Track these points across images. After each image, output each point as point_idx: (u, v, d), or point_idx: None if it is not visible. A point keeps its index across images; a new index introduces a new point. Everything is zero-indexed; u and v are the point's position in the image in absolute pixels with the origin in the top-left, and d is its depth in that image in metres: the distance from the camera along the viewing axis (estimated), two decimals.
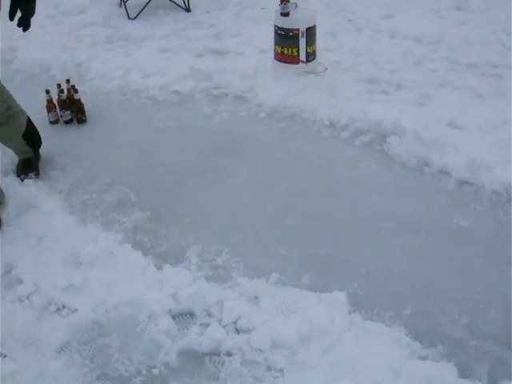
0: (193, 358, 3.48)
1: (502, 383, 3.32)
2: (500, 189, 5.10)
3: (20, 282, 4.01)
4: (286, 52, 7.07)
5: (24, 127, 5.09)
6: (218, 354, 3.48)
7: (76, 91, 6.23)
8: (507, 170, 5.24)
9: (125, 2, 9.48)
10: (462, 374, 3.35)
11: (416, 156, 5.47)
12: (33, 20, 3.98)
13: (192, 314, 3.75)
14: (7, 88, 4.88)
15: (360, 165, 5.44)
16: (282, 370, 3.35)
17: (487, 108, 6.39)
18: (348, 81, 7.00)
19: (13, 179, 5.15)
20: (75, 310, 3.78)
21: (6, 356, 3.44)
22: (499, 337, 3.68)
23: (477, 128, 5.93)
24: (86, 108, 6.31)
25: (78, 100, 6.24)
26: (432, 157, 5.42)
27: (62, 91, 6.22)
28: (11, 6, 3.80)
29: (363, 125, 5.99)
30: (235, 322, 3.62)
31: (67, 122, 6.31)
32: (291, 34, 6.89)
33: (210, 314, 3.72)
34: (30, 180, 5.12)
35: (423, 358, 3.45)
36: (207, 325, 3.63)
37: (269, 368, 3.37)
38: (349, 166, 5.43)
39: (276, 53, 7.25)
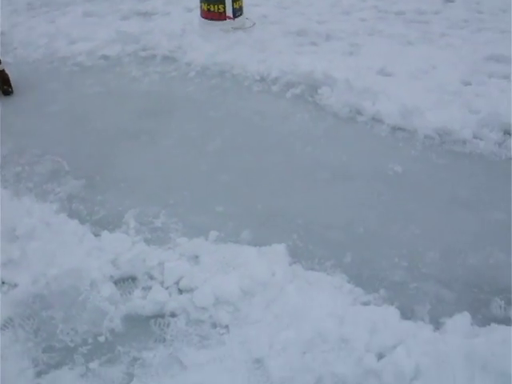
0: (138, 322, 3.43)
1: (442, 321, 3.36)
2: (432, 133, 5.16)
3: None
4: (212, 9, 6.96)
5: None
6: (163, 316, 3.44)
7: None
8: (438, 114, 5.29)
9: None
10: (405, 316, 3.38)
11: (348, 105, 5.48)
12: None
13: (134, 279, 3.69)
14: None
15: (292, 117, 5.42)
16: (227, 327, 3.33)
17: (416, 54, 6.44)
18: (277, 34, 6.95)
19: None
20: (15, 285, 3.65)
21: None
22: (438, 277, 3.74)
23: (407, 74, 5.97)
24: (11, 79, 6.08)
25: (2, 71, 6.01)
26: (364, 105, 5.43)
27: None
28: None
29: (294, 77, 5.96)
30: (177, 283, 3.58)
31: None
32: None
33: (151, 277, 3.66)
34: None
35: (366, 304, 3.47)
36: (149, 288, 3.58)
37: (214, 325, 3.35)
38: (281, 120, 5.40)
39: (202, 10, 7.13)
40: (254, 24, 7.17)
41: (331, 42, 6.79)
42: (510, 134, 5.22)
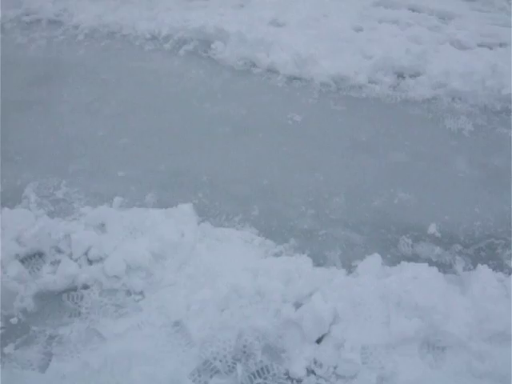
0: (50, 299, 3.28)
1: (354, 264, 3.40)
2: (328, 80, 5.17)
3: None
4: None
5: None
6: (75, 289, 3.30)
7: None
8: (333, 61, 5.31)
9: None
10: (317, 263, 3.40)
11: (242, 58, 5.41)
12: None
13: (41, 254, 3.51)
14: None
15: (188, 74, 5.30)
16: (142, 293, 3.24)
17: (307, 3, 6.42)
18: None
19: None
20: None
21: None
22: (346, 221, 3.78)
23: (299, 24, 5.94)
24: None
25: None
26: (258, 57, 5.37)
27: None
28: None
29: (186, 34, 5.82)
30: (86, 254, 3.44)
31: None
32: None
33: (59, 251, 3.50)
34: None
35: (278, 255, 3.47)
36: (58, 262, 3.41)
37: (128, 293, 3.25)
38: (177, 78, 5.27)
39: None
40: None
41: None
42: (403, 76, 5.31)
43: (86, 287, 3.30)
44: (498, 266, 3.50)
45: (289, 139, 4.48)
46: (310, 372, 2.83)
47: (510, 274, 3.40)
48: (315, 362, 2.84)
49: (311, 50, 5.38)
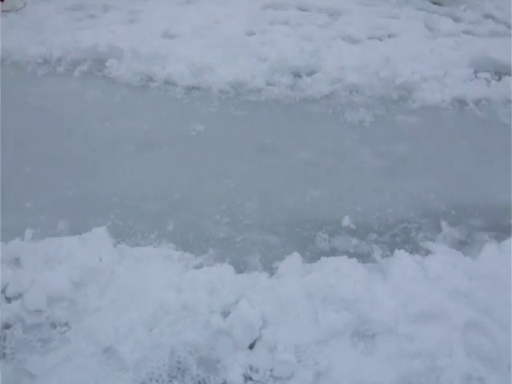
0: None
1: (275, 266, 3.42)
2: (226, 87, 5.18)
3: None
4: None
5: None
6: None
7: None
8: (229, 67, 5.33)
9: None
10: (239, 269, 3.39)
11: (138, 73, 5.34)
12: None
13: None
14: None
15: (84, 95, 5.17)
16: (67, 323, 3.13)
17: (197, 12, 6.42)
18: (52, 12, 6.56)
19: None
20: None
21: None
22: (261, 225, 3.79)
23: (191, 33, 5.93)
24: None
25: None
26: (154, 71, 5.32)
27: None
28: None
29: (78, 54, 5.68)
30: (3, 292, 3.29)
31: None
32: None
33: None
34: None
35: (199, 266, 3.43)
36: None
37: (53, 325, 3.13)
38: (73, 100, 5.13)
39: None
40: (26, 4, 6.73)
41: (110, 12, 6.55)
42: (299, 75, 5.38)
43: (7, 326, 3.14)
44: (414, 249, 3.61)
45: (194, 150, 4.45)
46: (248, 378, 2.83)
47: (426, 255, 3.51)
48: (251, 368, 2.84)
49: (206, 59, 5.38)
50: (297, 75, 5.41)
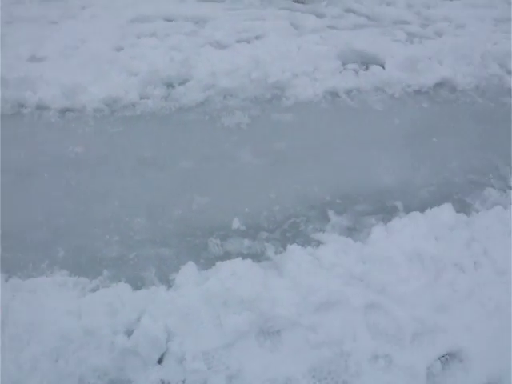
0: None
1: (172, 278, 3.40)
2: (100, 105, 5.14)
3: None
4: None
5: None
6: None
7: None
8: (101, 85, 5.28)
9: None
10: (136, 286, 3.36)
11: (9, 101, 5.15)
12: None
13: None
14: None
15: None
16: None
17: (62, 33, 6.33)
18: None
19: None
20: None
21: None
22: (152, 239, 3.79)
23: (59, 55, 5.84)
24: None
25: None
26: (25, 96, 5.17)
27: None
28: None
29: None
30: None
31: None
32: None
33: None
34: None
35: (95, 289, 3.37)
36: None
37: None
38: None
39: None
40: None
41: None
42: (173, 86, 5.42)
43: None
44: (306, 242, 3.73)
45: (75, 172, 4.37)
46: None
47: (318, 245, 3.62)
48: (163, 382, 2.83)
49: (77, 79, 5.31)
50: (170, 85, 5.44)
